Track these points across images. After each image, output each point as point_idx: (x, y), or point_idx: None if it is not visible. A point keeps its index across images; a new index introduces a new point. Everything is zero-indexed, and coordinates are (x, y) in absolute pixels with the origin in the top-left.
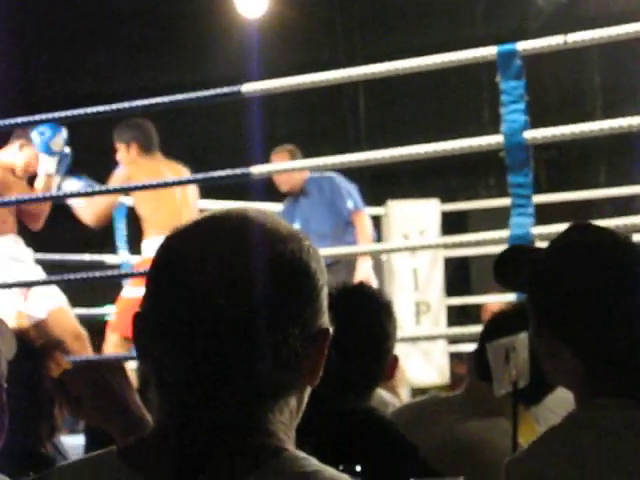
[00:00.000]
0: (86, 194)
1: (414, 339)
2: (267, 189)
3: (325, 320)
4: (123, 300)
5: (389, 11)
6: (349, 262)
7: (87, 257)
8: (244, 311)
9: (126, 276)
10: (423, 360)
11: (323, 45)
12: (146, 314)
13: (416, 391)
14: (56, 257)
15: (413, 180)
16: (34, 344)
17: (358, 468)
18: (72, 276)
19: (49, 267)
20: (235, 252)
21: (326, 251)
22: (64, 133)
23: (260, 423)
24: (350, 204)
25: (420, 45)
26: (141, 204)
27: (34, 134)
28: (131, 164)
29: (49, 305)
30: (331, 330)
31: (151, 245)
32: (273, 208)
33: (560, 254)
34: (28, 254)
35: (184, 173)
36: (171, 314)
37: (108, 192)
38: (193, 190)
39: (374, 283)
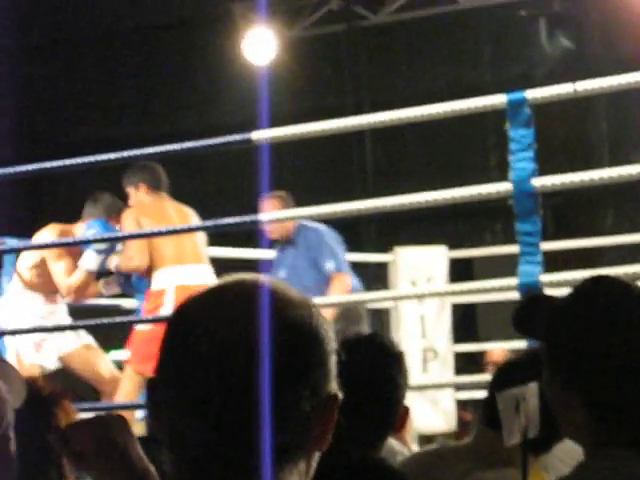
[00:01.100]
0: (107, 240)
1: (422, 387)
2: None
3: (334, 385)
4: (137, 333)
5: (395, 57)
6: (348, 314)
7: (103, 301)
8: (255, 377)
9: (138, 322)
10: (430, 407)
11: (330, 91)
12: (160, 380)
13: (422, 438)
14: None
15: (420, 226)
16: (42, 392)
17: None
18: (86, 322)
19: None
20: (246, 319)
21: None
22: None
23: None
24: (330, 265)
25: (427, 90)
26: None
27: (85, 227)
28: (136, 204)
29: (62, 351)
30: (340, 396)
31: (159, 277)
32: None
33: (577, 306)
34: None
35: (190, 215)
36: (184, 380)
37: (124, 238)
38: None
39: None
